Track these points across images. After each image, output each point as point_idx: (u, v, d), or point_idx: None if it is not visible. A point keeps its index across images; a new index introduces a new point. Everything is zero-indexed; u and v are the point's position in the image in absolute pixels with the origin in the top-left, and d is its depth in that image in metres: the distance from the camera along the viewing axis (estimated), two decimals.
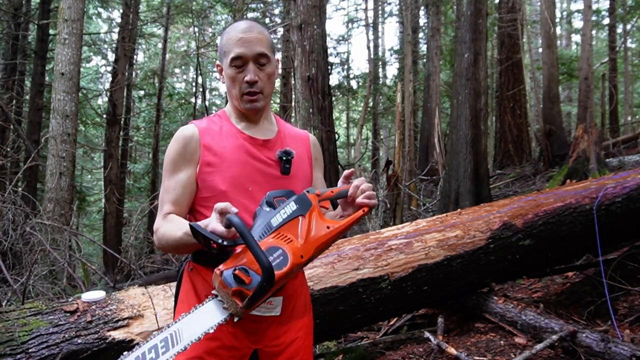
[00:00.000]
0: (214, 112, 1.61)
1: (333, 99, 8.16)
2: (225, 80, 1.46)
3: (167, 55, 16.84)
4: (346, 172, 1.40)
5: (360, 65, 52.61)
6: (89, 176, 18.03)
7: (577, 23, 20.98)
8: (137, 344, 1.11)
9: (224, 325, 1.37)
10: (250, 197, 1.39)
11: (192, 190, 1.42)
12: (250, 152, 1.43)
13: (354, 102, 20.85)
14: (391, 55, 19.80)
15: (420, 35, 16.67)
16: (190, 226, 1.13)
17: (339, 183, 1.42)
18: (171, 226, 1.35)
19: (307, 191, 1.29)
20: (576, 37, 22.56)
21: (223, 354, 1.35)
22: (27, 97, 11.30)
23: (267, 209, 1.21)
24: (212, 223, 1.15)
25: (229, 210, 1.15)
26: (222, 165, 1.40)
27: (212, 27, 17.17)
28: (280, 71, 14.00)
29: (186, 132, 1.43)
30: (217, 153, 1.41)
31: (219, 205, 1.15)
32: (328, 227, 1.24)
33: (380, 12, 19.79)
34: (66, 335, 2.21)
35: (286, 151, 1.46)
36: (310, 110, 5.99)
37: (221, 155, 1.41)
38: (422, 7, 15.18)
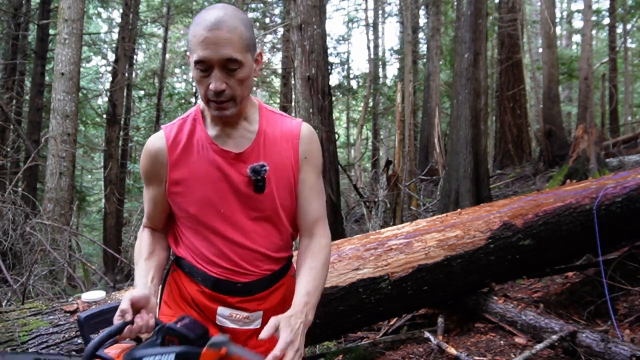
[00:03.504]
0: None
1: (333, 99, 8.15)
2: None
3: (167, 55, 16.84)
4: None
5: (360, 65, 52.60)
6: (89, 176, 18.04)
7: (577, 23, 21.00)
8: None
9: None
10: (223, 219, 1.32)
11: (164, 207, 1.40)
12: (221, 168, 1.30)
13: (354, 102, 20.84)
14: (391, 55, 19.81)
15: (420, 35, 16.65)
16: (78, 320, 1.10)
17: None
18: (138, 254, 1.38)
19: (211, 344, 1.00)
20: (576, 37, 22.58)
21: None
22: (27, 97, 11.29)
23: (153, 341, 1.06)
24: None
25: (126, 312, 1.11)
26: (190, 182, 1.31)
27: None
28: (280, 71, 14.05)
29: (153, 147, 1.34)
30: (186, 169, 1.32)
31: (124, 305, 1.12)
32: None
33: (380, 12, 19.78)
34: (66, 335, 2.21)
35: (254, 169, 1.29)
36: (310, 110, 5.98)
37: (190, 172, 1.31)
38: (422, 7, 15.17)
